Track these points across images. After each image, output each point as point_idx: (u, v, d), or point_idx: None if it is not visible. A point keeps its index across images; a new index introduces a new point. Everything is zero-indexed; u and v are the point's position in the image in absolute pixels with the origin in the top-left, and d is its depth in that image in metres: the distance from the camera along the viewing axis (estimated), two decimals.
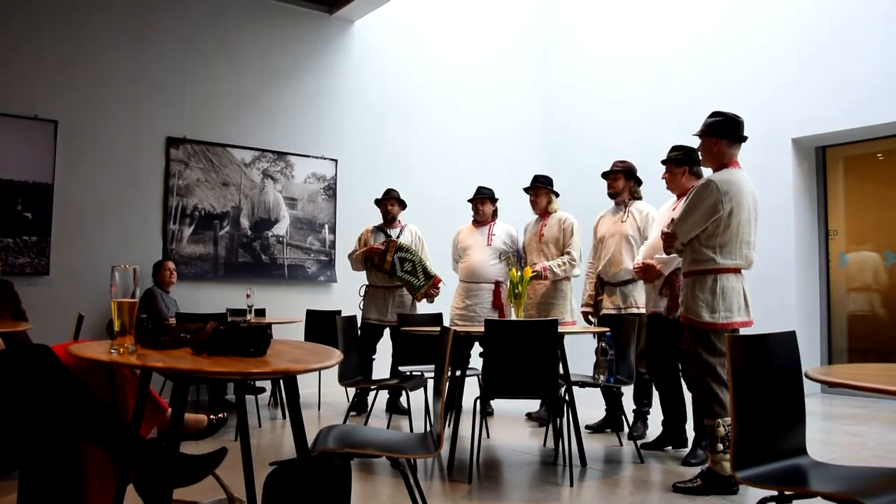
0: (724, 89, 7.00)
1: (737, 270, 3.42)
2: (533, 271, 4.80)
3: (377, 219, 5.81)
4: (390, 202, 5.68)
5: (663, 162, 4.19)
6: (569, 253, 4.96)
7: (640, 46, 8.04)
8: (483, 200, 5.49)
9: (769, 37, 6.94)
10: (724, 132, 3.46)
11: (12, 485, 2.19)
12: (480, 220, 5.52)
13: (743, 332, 3.30)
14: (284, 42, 7.04)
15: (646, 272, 4.13)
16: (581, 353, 5.85)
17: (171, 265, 5.92)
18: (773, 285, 6.36)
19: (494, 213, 5.54)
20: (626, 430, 4.50)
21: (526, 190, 5.23)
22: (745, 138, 3.51)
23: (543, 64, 9.03)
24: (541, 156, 8.49)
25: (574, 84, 8.72)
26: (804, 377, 2.02)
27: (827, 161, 7.01)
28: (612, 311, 4.66)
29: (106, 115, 6.04)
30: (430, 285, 5.43)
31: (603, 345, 4.09)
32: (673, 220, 3.59)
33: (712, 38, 7.38)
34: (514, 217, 5.74)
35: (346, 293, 5.76)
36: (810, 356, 6.58)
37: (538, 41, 9.06)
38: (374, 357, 5.51)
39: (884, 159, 6.86)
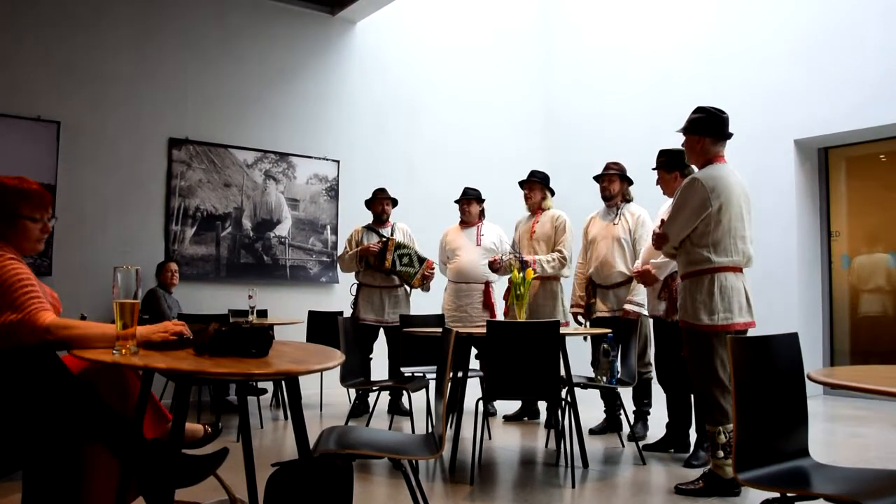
0: (726, 90, 7.00)
1: (736, 269, 3.33)
2: (521, 262, 4.78)
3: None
4: (386, 201, 5.66)
5: (655, 169, 4.19)
6: (559, 251, 4.95)
7: (643, 47, 8.04)
8: (469, 201, 5.56)
9: (771, 37, 6.93)
10: (706, 130, 3.39)
11: (15, 485, 2.19)
12: (468, 221, 5.58)
13: (742, 334, 3.28)
14: (286, 43, 7.05)
15: (643, 277, 4.14)
16: (577, 355, 5.84)
17: (173, 266, 5.93)
18: (775, 287, 6.35)
19: (482, 214, 5.63)
20: (627, 430, 4.49)
21: (521, 184, 5.24)
22: (729, 135, 3.44)
23: (546, 64, 9.03)
24: (543, 155, 8.47)
25: (576, 84, 8.72)
26: (806, 379, 2.01)
27: (829, 162, 7.00)
28: (606, 314, 4.65)
29: (108, 116, 6.05)
30: (424, 268, 5.43)
31: (605, 346, 4.09)
32: (662, 220, 3.56)
33: (715, 39, 7.38)
34: (516, 217, 5.71)
35: (349, 294, 5.76)
36: (812, 358, 6.57)
37: (541, 41, 9.06)
38: (371, 357, 5.51)
39: (886, 160, 6.85)
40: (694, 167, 3.65)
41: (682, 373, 4.09)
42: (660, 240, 3.48)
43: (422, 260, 5.44)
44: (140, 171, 6.18)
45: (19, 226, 2.20)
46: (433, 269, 5.48)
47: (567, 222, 5.02)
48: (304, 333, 6.07)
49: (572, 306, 4.90)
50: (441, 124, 8.02)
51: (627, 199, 4.76)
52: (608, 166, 4.78)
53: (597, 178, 4.84)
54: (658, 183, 4.20)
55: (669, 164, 4.07)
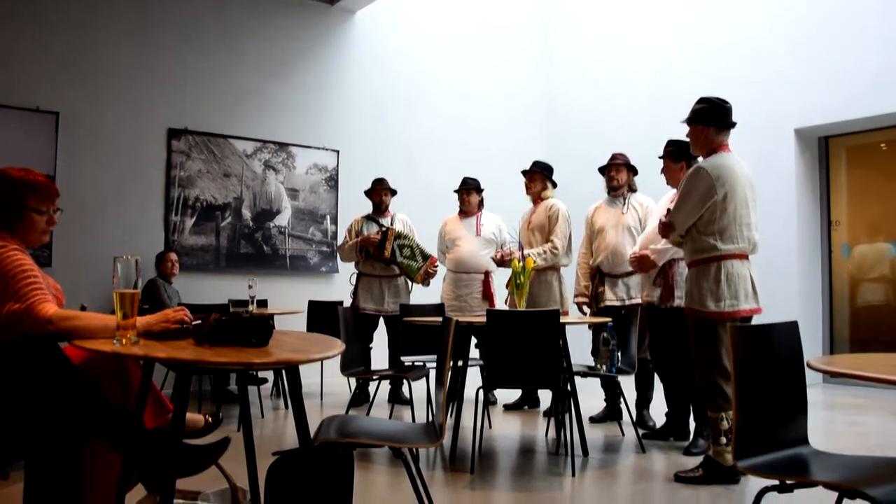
0: (726, 79, 6.97)
1: (742, 256, 3.35)
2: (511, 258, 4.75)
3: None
4: (384, 192, 5.66)
5: (662, 157, 4.19)
6: (551, 241, 4.92)
7: (643, 37, 8.01)
8: (469, 191, 5.55)
9: (771, 26, 6.90)
10: (710, 120, 3.40)
11: (17, 476, 2.20)
12: (467, 211, 5.57)
13: (748, 320, 3.29)
14: (286, 32, 7.02)
15: (641, 262, 4.13)
16: (579, 344, 5.85)
17: (173, 256, 5.92)
18: (775, 275, 6.34)
19: (480, 204, 5.62)
20: (627, 418, 4.50)
21: (523, 174, 5.24)
22: (733, 124, 3.45)
23: (546, 55, 8.99)
24: (543, 146, 8.46)
25: (576, 74, 8.69)
26: (806, 367, 2.02)
27: (829, 151, 6.99)
28: (616, 303, 4.65)
29: (107, 106, 6.02)
30: (427, 265, 5.43)
31: (605, 335, 4.09)
32: (669, 209, 3.56)
33: (714, 29, 7.35)
34: (515, 208, 5.71)
35: (348, 284, 5.77)
36: (812, 346, 6.58)
37: (540, 32, 9.02)
38: (371, 346, 5.52)
39: (887, 149, 6.84)
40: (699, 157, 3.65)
41: (678, 360, 4.10)
42: (666, 228, 3.49)
43: (426, 256, 5.43)
44: (139, 161, 6.16)
45: (25, 218, 2.20)
46: (437, 266, 5.48)
47: (561, 211, 4.98)
48: (304, 323, 6.08)
49: (576, 296, 4.89)
50: (441, 114, 7.99)
51: (632, 189, 4.76)
52: (615, 156, 4.78)
53: (602, 169, 4.83)
54: (663, 171, 4.19)
55: (677, 154, 4.07)
